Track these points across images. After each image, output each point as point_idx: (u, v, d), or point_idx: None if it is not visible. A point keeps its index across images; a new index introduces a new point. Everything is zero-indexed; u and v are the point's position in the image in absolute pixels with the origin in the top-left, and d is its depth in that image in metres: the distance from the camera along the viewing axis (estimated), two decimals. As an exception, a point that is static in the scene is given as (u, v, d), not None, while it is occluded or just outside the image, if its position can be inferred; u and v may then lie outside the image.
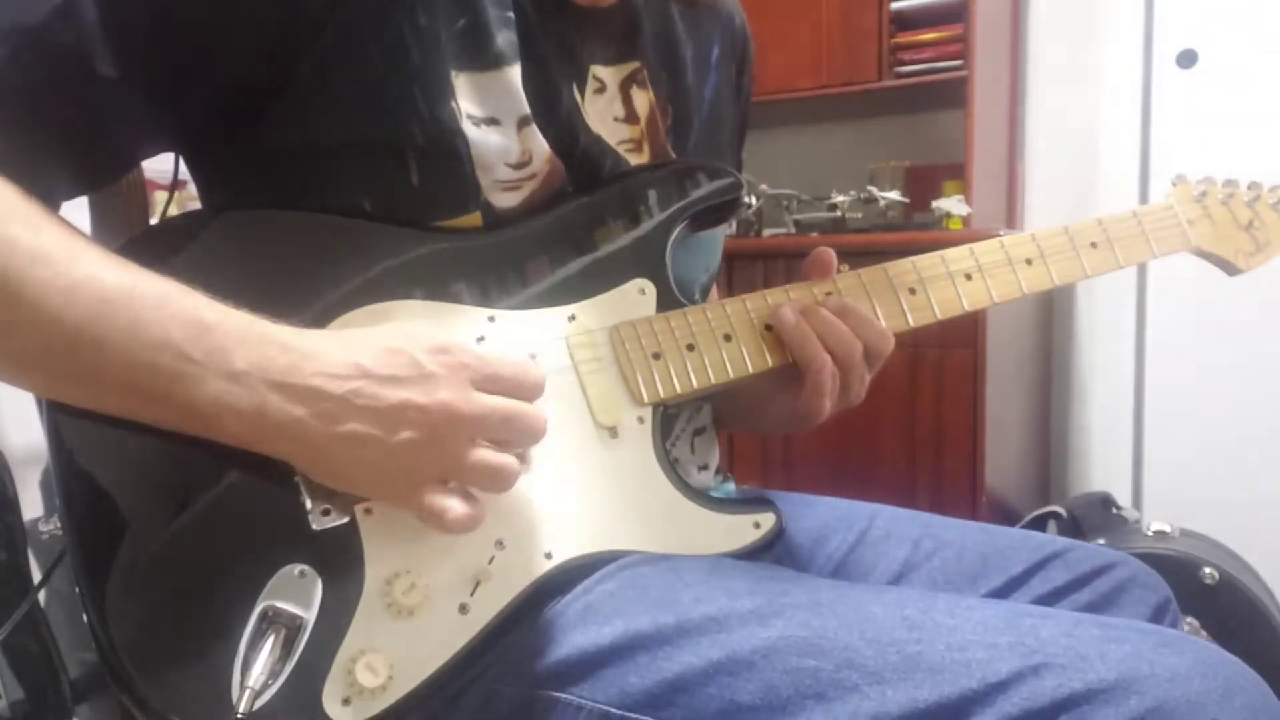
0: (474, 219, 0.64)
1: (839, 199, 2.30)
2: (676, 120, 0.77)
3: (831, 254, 0.74)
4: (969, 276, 0.73)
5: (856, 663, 0.53)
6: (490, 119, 0.64)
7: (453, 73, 0.62)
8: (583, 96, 0.70)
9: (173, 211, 0.64)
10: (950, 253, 0.74)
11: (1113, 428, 2.36)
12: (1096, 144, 2.36)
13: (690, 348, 0.67)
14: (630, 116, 0.74)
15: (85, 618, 0.53)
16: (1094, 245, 0.77)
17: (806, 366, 0.69)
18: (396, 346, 0.54)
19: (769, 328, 0.69)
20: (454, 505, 0.54)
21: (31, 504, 1.31)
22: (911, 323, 0.72)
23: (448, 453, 0.54)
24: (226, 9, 0.56)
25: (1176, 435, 2.28)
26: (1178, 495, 2.27)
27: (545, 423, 0.57)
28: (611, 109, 0.73)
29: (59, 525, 0.57)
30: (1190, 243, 0.81)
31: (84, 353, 0.51)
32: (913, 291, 0.72)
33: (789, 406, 0.73)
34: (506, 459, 0.55)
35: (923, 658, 0.52)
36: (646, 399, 0.65)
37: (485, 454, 0.55)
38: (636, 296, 0.68)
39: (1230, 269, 0.83)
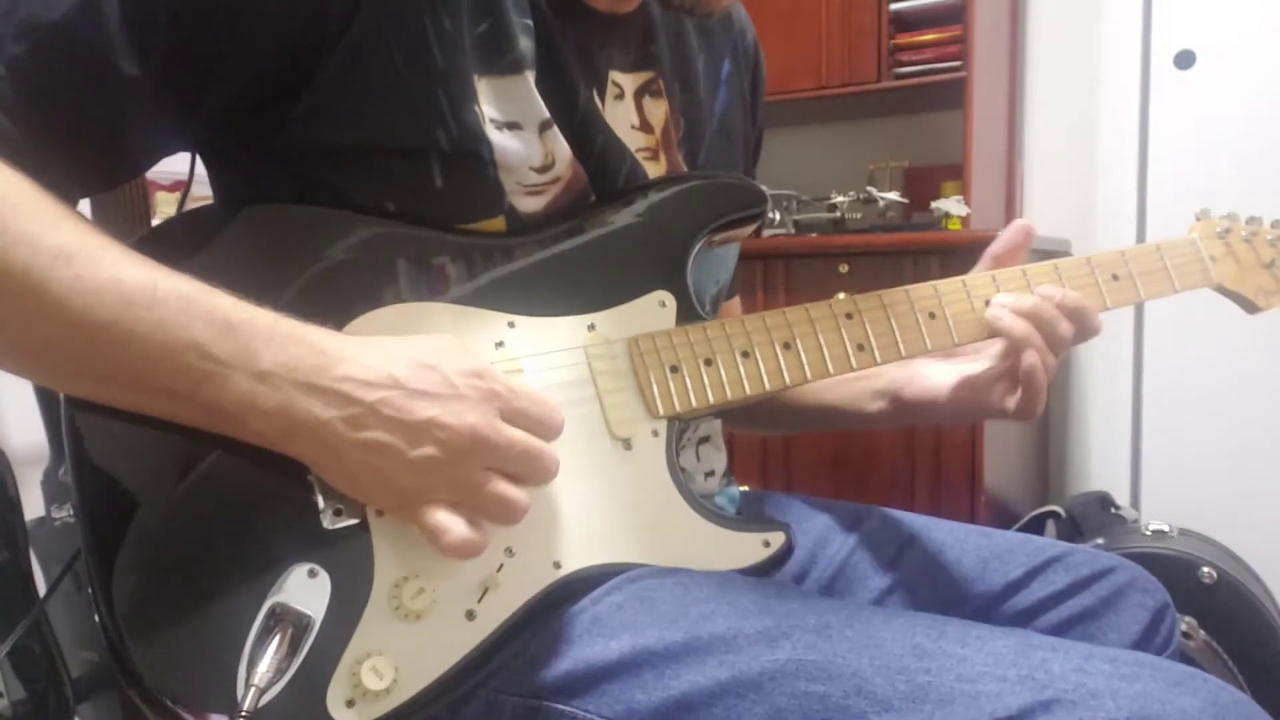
0: (498, 223, 0.64)
1: (838, 199, 2.30)
2: (689, 132, 0.77)
3: (1027, 230, 0.75)
4: (989, 304, 0.73)
5: (865, 690, 0.53)
6: (512, 123, 0.63)
7: (475, 76, 0.62)
8: (603, 102, 0.70)
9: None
10: (972, 279, 0.74)
11: (1111, 427, 2.37)
12: (1095, 144, 2.37)
13: (708, 362, 0.67)
14: (644, 125, 0.74)
15: (94, 603, 0.53)
16: (1115, 277, 0.77)
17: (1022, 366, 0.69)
18: (431, 363, 0.54)
19: (788, 346, 0.69)
20: (456, 527, 0.54)
21: (33, 503, 1.30)
22: (930, 347, 0.72)
23: (463, 476, 0.54)
24: (249, 8, 0.56)
25: (1175, 435, 2.29)
26: (1176, 495, 2.27)
27: (558, 466, 0.57)
28: (628, 116, 0.73)
29: (71, 513, 0.57)
30: (1212, 279, 0.81)
31: (106, 352, 0.51)
32: (932, 316, 0.72)
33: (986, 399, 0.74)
34: (519, 493, 0.55)
35: (932, 688, 0.52)
36: (662, 412, 0.65)
37: (501, 484, 0.55)
38: (656, 309, 0.67)
39: (1250, 307, 0.83)
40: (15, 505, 1.11)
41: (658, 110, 0.75)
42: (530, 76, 0.64)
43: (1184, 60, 2.26)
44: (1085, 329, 0.72)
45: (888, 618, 0.58)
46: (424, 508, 0.54)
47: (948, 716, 0.51)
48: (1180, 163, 2.26)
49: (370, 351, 0.54)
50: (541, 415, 0.57)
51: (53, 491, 1.40)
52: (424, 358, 0.55)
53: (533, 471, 0.56)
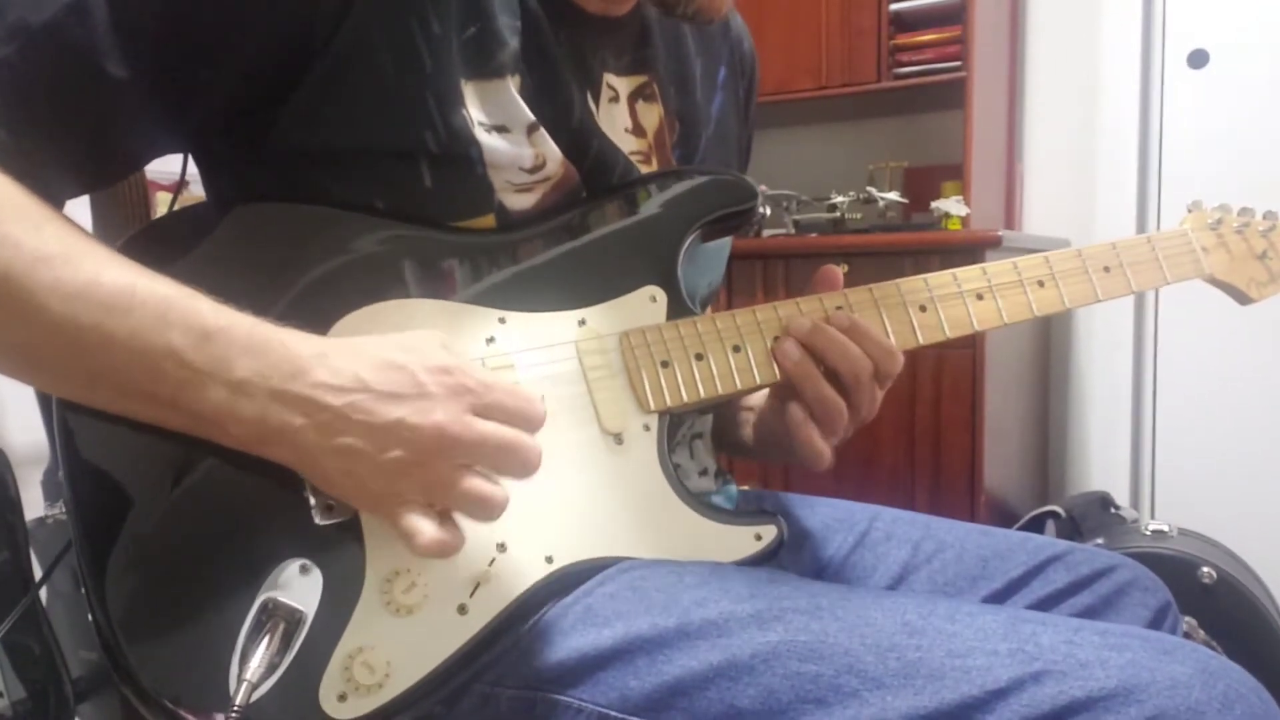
0: (488, 220, 0.64)
1: (838, 200, 2.30)
2: (684, 135, 0.77)
3: (839, 273, 0.73)
4: (980, 296, 0.73)
5: (857, 668, 0.53)
6: (500, 126, 0.63)
7: (461, 81, 0.62)
8: (597, 104, 0.70)
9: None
10: (962, 272, 0.74)
11: (1111, 427, 2.37)
12: (1095, 144, 2.36)
13: (699, 357, 0.67)
14: (637, 129, 0.74)
15: (87, 602, 0.54)
16: (1107, 269, 0.77)
17: (805, 399, 0.68)
18: (400, 362, 0.53)
19: (778, 340, 0.69)
20: (427, 529, 0.53)
21: (33, 503, 1.31)
22: (921, 340, 0.72)
23: (435, 475, 0.53)
24: (237, 11, 0.56)
25: (1175, 435, 2.29)
26: (1176, 495, 2.27)
27: (540, 458, 0.55)
28: (621, 120, 0.73)
29: (63, 510, 0.57)
30: (1204, 270, 0.81)
31: (87, 357, 0.51)
32: (923, 309, 0.72)
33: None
34: (493, 488, 0.54)
35: (923, 664, 0.53)
36: (654, 407, 0.65)
37: (473, 481, 0.53)
38: (647, 304, 0.68)
39: (1242, 298, 0.83)
40: (15, 505, 1.12)
41: (651, 114, 0.75)
42: (513, 81, 0.64)
43: (1197, 60, 2.25)
44: (874, 350, 0.69)
45: (878, 598, 0.58)
46: (397, 511, 0.53)
47: (939, 691, 0.51)
48: (1193, 164, 2.26)
49: (342, 355, 0.53)
50: (519, 408, 0.55)
51: (53, 491, 1.40)
52: (395, 357, 0.54)
53: (510, 465, 0.55)
